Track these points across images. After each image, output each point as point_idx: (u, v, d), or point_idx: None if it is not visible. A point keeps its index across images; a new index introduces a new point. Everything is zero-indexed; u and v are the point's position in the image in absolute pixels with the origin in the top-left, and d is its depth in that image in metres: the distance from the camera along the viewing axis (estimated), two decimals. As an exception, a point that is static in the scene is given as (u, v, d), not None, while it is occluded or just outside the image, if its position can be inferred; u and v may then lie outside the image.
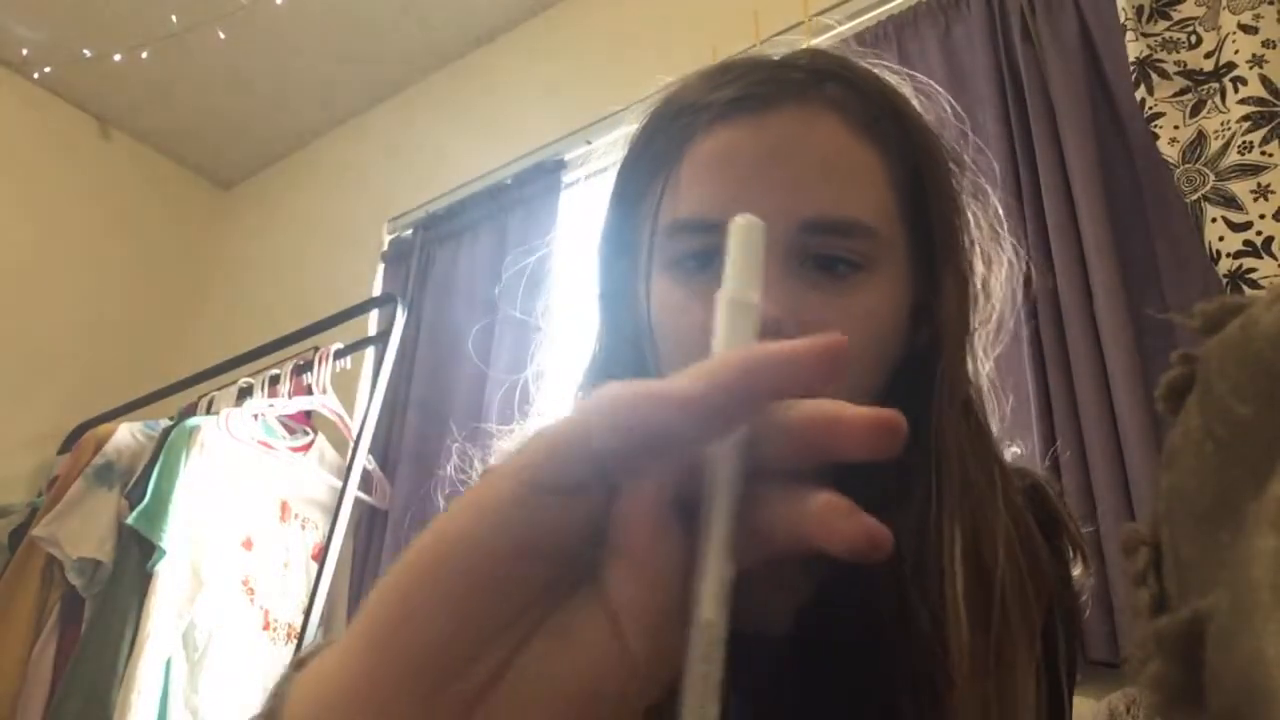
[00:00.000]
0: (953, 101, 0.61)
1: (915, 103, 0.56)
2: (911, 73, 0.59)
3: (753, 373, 0.23)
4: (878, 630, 0.47)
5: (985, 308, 0.56)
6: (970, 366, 0.53)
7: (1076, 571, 0.55)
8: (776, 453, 0.24)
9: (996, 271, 0.57)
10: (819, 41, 1.87)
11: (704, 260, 0.49)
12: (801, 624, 0.50)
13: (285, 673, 0.26)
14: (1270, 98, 1.22)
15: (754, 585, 0.41)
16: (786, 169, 0.48)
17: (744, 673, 0.39)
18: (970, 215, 0.55)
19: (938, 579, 0.46)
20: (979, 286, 0.55)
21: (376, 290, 2.45)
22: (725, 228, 0.34)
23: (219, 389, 2.15)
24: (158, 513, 1.72)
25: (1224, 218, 1.20)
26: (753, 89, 0.51)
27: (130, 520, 1.73)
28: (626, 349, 0.55)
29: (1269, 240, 1.17)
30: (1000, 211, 0.58)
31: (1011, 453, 0.58)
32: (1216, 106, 1.26)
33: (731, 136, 0.50)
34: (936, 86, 0.60)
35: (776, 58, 0.55)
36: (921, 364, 0.51)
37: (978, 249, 0.56)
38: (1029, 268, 0.59)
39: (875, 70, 0.55)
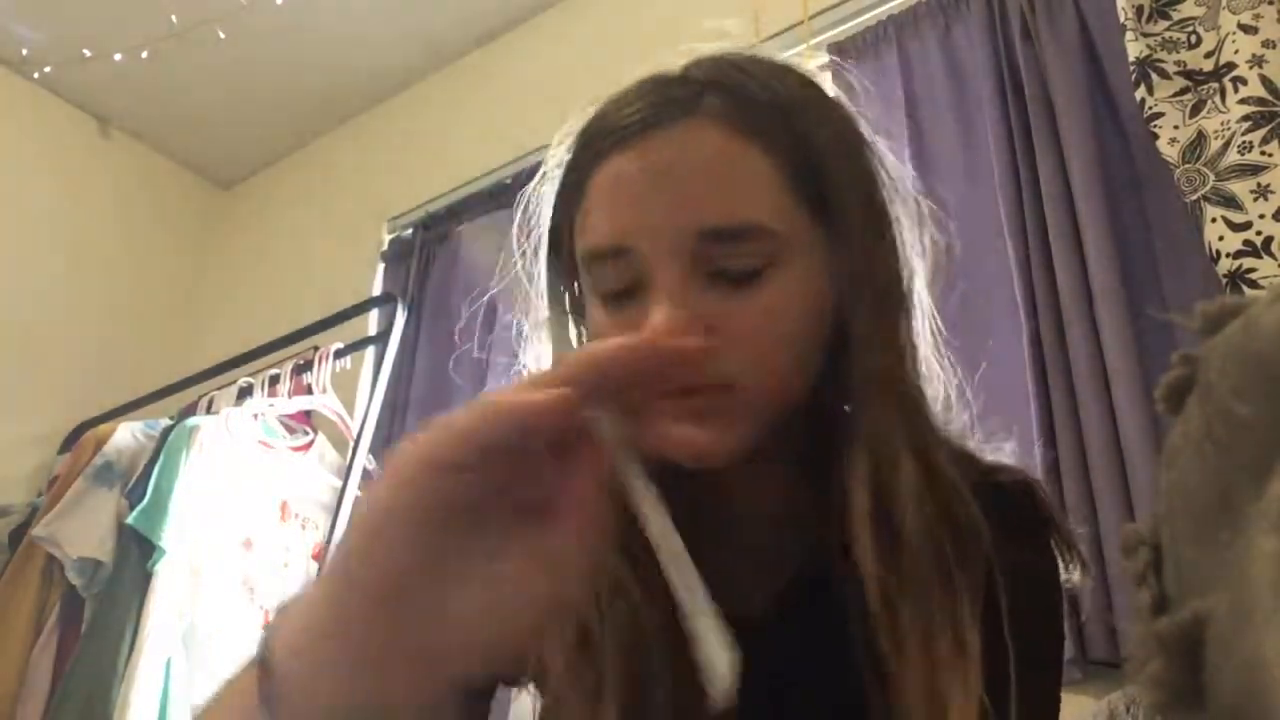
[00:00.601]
0: (861, 79, 0.63)
1: (806, 88, 0.57)
2: (796, 64, 0.60)
3: (587, 372, 0.34)
4: (831, 603, 0.51)
5: (910, 281, 0.57)
6: (902, 342, 0.54)
7: (1075, 573, 0.56)
8: (640, 397, 0.38)
9: (918, 246, 0.58)
10: (818, 42, 1.87)
11: (619, 290, 0.51)
12: (781, 605, 0.55)
13: (274, 618, 0.34)
14: (1270, 98, 1.22)
15: (736, 574, 0.50)
16: (674, 186, 0.50)
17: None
18: (885, 192, 0.56)
19: (853, 533, 0.50)
20: (902, 265, 0.56)
21: (376, 290, 2.45)
22: (628, 252, 0.49)
23: (219, 389, 2.15)
24: (158, 512, 1.72)
25: (1224, 217, 1.20)
26: (638, 114, 0.53)
27: (130, 520, 1.73)
28: None
29: (1269, 240, 1.17)
30: (915, 180, 0.60)
31: (1010, 450, 0.61)
32: (1216, 106, 1.26)
33: (621, 163, 0.52)
34: (819, 74, 0.61)
35: (666, 75, 0.57)
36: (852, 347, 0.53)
37: (899, 223, 0.56)
38: (950, 240, 0.60)
39: (764, 70, 0.56)
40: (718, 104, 0.52)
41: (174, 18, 2.43)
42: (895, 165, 0.58)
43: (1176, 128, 1.29)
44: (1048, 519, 0.56)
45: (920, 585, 0.48)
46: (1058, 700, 0.55)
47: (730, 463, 0.50)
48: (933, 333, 0.59)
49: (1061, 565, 0.56)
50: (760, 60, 0.57)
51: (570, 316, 0.61)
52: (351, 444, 1.95)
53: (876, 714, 0.48)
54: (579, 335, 0.59)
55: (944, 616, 0.48)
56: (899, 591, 0.48)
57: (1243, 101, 1.24)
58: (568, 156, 0.59)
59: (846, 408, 0.54)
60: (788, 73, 0.57)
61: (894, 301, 0.54)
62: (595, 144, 0.55)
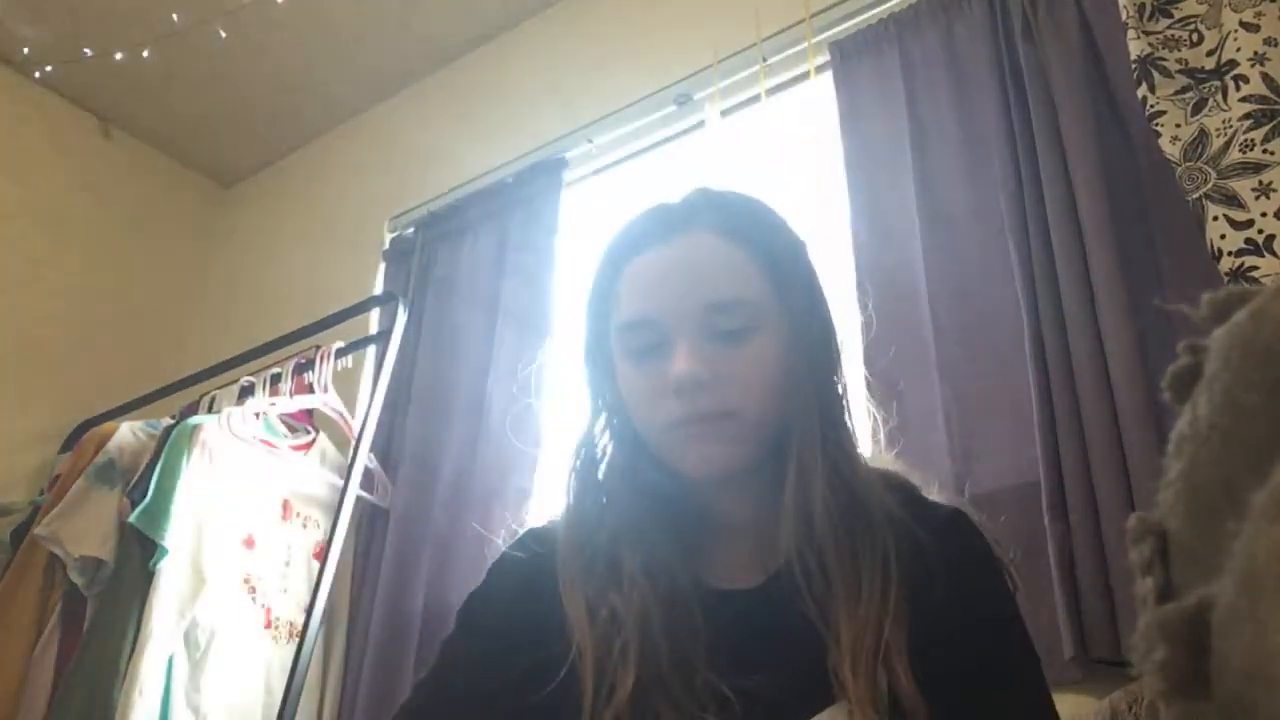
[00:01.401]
0: (802, 192, 0.83)
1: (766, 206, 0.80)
2: (752, 194, 0.82)
3: None
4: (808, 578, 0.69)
5: (837, 339, 0.78)
6: (831, 388, 0.75)
7: (1003, 582, 0.72)
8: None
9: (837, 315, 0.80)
10: (819, 40, 1.87)
11: (646, 350, 0.73)
12: (775, 580, 0.71)
13: None
14: (1272, 96, 1.22)
15: (738, 560, 0.76)
16: (687, 273, 0.73)
17: (729, 618, 0.70)
18: (819, 279, 0.78)
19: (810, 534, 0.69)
20: (832, 334, 0.77)
21: (378, 289, 2.45)
22: (654, 322, 0.73)
23: (220, 388, 2.15)
24: (159, 511, 1.72)
25: (1225, 216, 1.20)
26: (657, 225, 0.76)
27: (132, 519, 1.73)
28: (606, 414, 0.79)
29: (1270, 238, 1.17)
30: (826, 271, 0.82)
31: (937, 489, 0.79)
32: (1218, 104, 1.26)
33: (650, 259, 0.75)
34: (774, 197, 0.83)
35: (670, 204, 0.79)
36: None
37: (828, 300, 0.78)
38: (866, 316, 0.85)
39: (740, 194, 0.81)
40: (711, 218, 0.75)
41: (175, 16, 2.43)
42: (821, 265, 0.81)
43: (1178, 126, 1.29)
44: (978, 535, 0.73)
45: (831, 566, 0.67)
46: (1044, 699, 0.67)
47: (732, 472, 0.72)
48: (865, 387, 0.81)
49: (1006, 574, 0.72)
50: (738, 194, 0.81)
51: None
52: (353, 443, 1.95)
53: (830, 659, 0.65)
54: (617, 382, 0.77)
55: (849, 589, 0.66)
56: (816, 570, 0.68)
57: (1244, 99, 1.23)
58: (600, 263, 0.79)
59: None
60: (755, 201, 0.80)
61: (827, 356, 0.75)
62: (623, 250, 0.77)
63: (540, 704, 0.67)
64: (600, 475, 0.78)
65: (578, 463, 0.78)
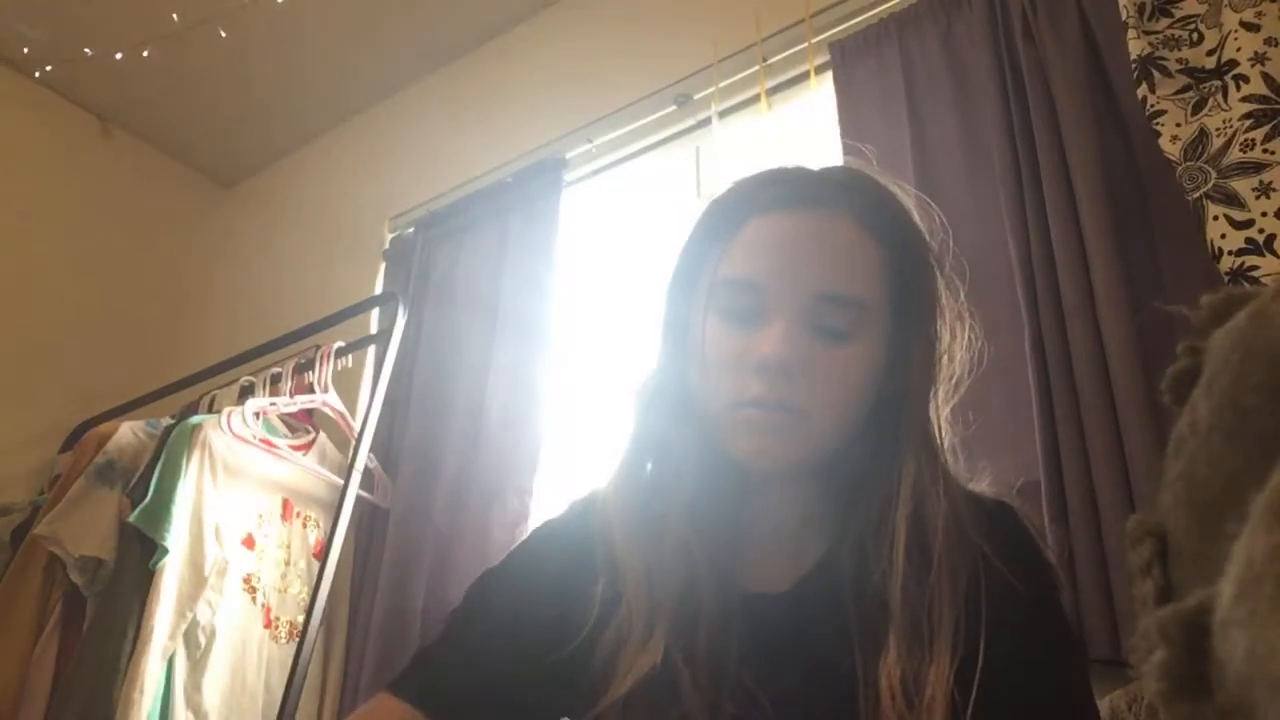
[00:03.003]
0: (941, 215, 0.77)
1: (915, 212, 0.74)
2: (919, 194, 0.76)
3: None
4: (843, 590, 0.66)
5: (949, 368, 0.73)
6: (931, 408, 0.71)
7: (1052, 590, 0.69)
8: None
9: (960, 343, 0.74)
10: (819, 40, 1.86)
11: (740, 313, 0.67)
12: (801, 587, 0.69)
13: None
14: (1272, 95, 1.22)
15: (772, 562, 0.71)
16: (812, 254, 0.67)
17: (756, 621, 0.66)
18: (943, 301, 0.73)
19: (887, 551, 0.64)
20: (941, 353, 0.72)
21: (378, 289, 2.45)
22: (760, 289, 0.67)
23: (221, 387, 2.15)
24: (159, 511, 1.72)
25: (1226, 215, 1.20)
26: (796, 190, 0.70)
27: (132, 519, 1.73)
28: (677, 366, 0.73)
29: (1271, 238, 1.17)
30: (964, 305, 0.76)
31: (1005, 486, 0.77)
32: (1218, 104, 1.26)
33: (776, 222, 0.68)
34: (930, 203, 0.77)
35: (815, 170, 0.73)
36: (892, 405, 0.69)
37: (946, 324, 0.73)
38: (983, 345, 0.77)
39: (887, 186, 0.73)
40: (858, 203, 0.69)
41: (175, 16, 2.43)
42: (954, 288, 0.75)
43: (1178, 125, 1.29)
44: (1026, 531, 0.70)
45: (938, 599, 0.61)
46: (1080, 691, 0.65)
47: (782, 471, 0.68)
48: (945, 401, 0.74)
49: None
50: (883, 185, 0.74)
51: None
52: (353, 442, 1.95)
53: (860, 676, 0.61)
54: (699, 335, 0.71)
55: (944, 625, 0.61)
56: (918, 601, 0.62)
57: (1245, 99, 1.23)
58: (721, 206, 0.73)
59: (873, 443, 0.70)
60: (899, 199, 0.73)
61: (929, 379, 0.71)
62: (747, 203, 0.71)
63: (565, 658, 0.65)
64: (653, 435, 0.72)
65: (640, 417, 0.73)
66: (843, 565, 0.66)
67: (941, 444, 0.71)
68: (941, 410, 0.73)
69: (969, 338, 0.75)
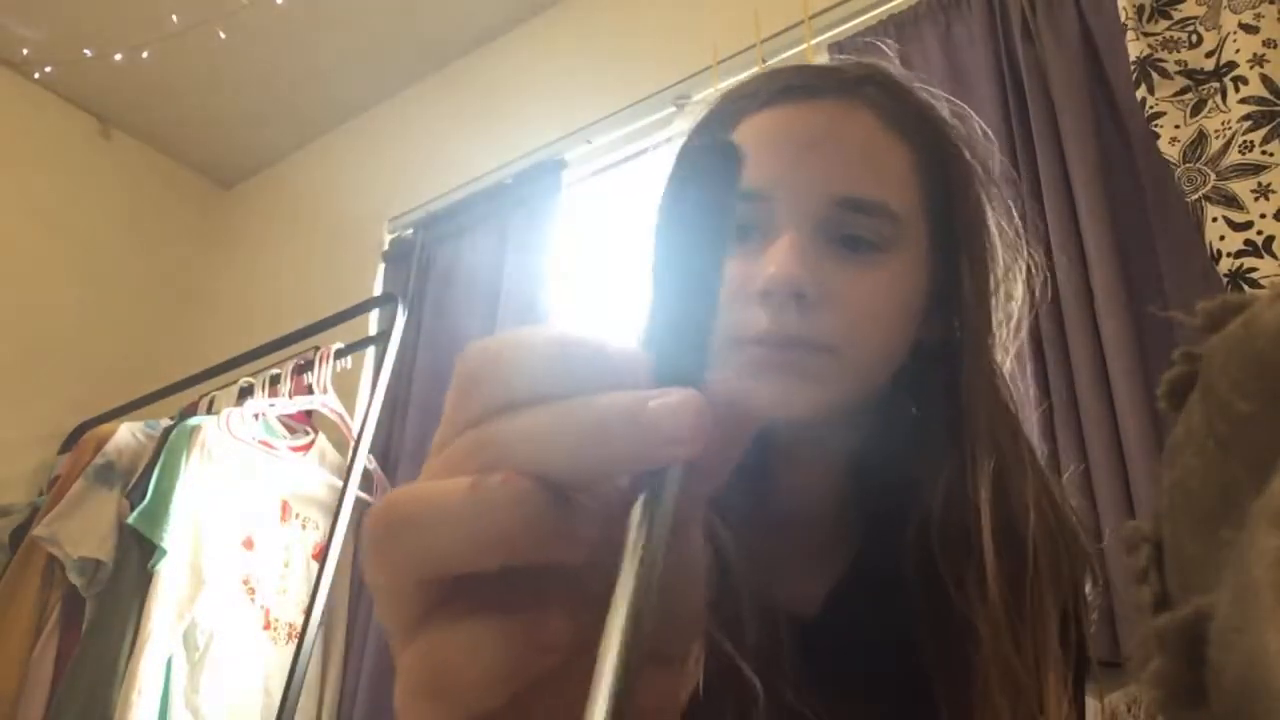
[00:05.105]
0: (984, 125, 0.63)
1: (949, 118, 0.60)
2: (949, 97, 0.62)
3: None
4: (904, 602, 0.50)
5: (1006, 305, 0.59)
6: (996, 354, 0.56)
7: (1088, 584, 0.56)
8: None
9: (1016, 275, 0.60)
10: (819, 41, 1.87)
11: (746, 230, 0.52)
12: (834, 604, 0.53)
13: None
14: (1271, 97, 1.22)
15: (791, 576, 0.50)
16: (826, 150, 0.53)
17: (782, 651, 0.48)
18: (992, 222, 0.59)
19: (964, 546, 0.48)
20: (998, 282, 0.58)
21: (377, 290, 2.45)
22: (766, 199, 0.50)
23: (220, 389, 2.15)
24: (158, 513, 1.72)
25: (1225, 217, 1.20)
26: (801, 81, 0.56)
27: (131, 520, 1.73)
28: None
29: (1270, 240, 1.17)
30: (1021, 226, 0.61)
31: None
32: (1217, 106, 1.26)
33: (780, 117, 0.54)
34: (970, 112, 0.63)
35: (823, 65, 0.61)
36: (947, 350, 0.55)
37: (998, 251, 0.59)
38: (1047, 276, 0.62)
39: (912, 82, 0.60)
40: (876, 94, 0.55)
41: (174, 17, 2.43)
42: (1008, 213, 0.60)
43: (1177, 127, 1.29)
44: (1070, 529, 0.56)
45: (1036, 616, 0.47)
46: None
47: (813, 421, 0.50)
48: (1004, 350, 0.59)
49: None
50: (917, 85, 0.61)
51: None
52: (352, 444, 1.95)
53: (923, 712, 0.48)
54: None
55: (1041, 651, 0.47)
56: (1018, 617, 0.47)
57: (1244, 101, 1.23)
58: (711, 111, 0.60)
59: (914, 410, 0.55)
60: (936, 104, 0.60)
61: (986, 316, 0.56)
62: (744, 99, 0.57)
63: None
64: None
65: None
66: (892, 571, 0.51)
67: (1018, 411, 0.56)
68: (1004, 357, 0.58)
69: (1028, 266, 0.60)
